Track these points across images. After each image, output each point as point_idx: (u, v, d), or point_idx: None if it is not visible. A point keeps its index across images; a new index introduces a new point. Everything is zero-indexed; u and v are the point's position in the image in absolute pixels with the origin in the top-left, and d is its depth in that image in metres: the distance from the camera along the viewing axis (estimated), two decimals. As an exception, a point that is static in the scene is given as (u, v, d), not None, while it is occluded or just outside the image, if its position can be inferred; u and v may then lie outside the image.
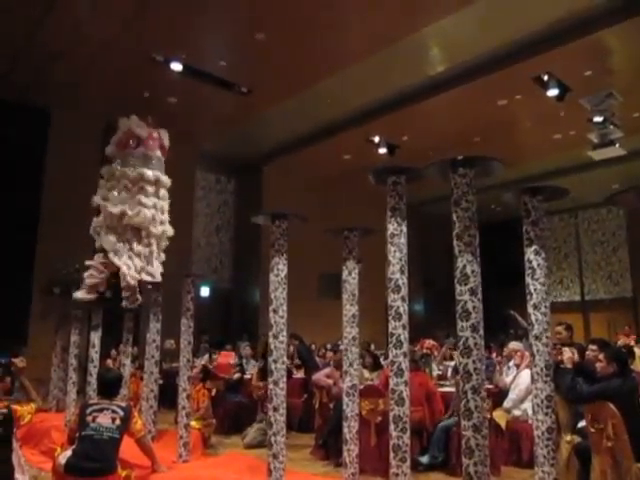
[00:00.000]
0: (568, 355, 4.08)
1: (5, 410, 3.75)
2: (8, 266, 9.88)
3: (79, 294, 6.33)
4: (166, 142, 6.86)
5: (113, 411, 4.12)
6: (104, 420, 4.05)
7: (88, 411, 4.10)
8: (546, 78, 9.50)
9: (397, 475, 3.05)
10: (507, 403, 5.97)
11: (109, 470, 3.95)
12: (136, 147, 6.53)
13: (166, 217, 6.74)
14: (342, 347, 4.03)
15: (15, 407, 3.88)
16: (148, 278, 6.22)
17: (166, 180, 6.79)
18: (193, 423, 5.99)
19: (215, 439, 6.84)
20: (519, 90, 10.14)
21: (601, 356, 4.06)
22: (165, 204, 6.75)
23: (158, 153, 6.73)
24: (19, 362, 4.67)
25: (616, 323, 14.55)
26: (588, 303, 17.34)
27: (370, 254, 7.43)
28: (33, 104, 10.56)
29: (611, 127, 10.11)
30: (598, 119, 10.10)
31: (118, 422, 4.07)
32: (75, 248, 10.62)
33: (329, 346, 8.82)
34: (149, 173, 6.50)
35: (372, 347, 9.89)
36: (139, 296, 6.52)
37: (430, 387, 5.91)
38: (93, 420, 4.04)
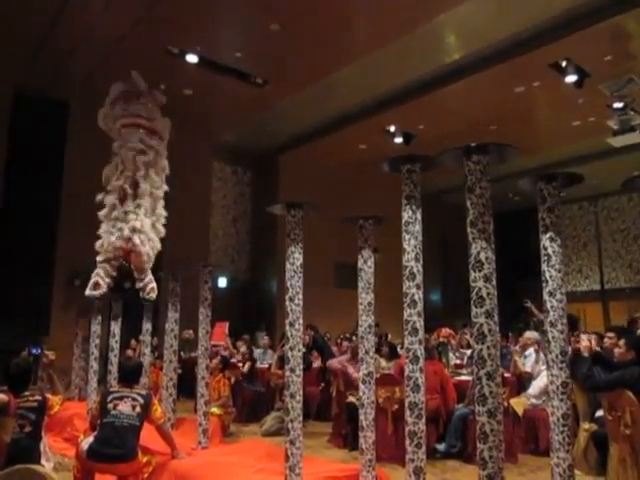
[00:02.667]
0: (585, 343, 4.08)
1: (40, 397, 3.86)
2: (30, 258, 10.07)
3: (87, 291, 6.72)
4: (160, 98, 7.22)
5: (133, 399, 4.20)
6: (124, 407, 4.13)
7: (109, 399, 4.19)
8: (564, 64, 9.37)
9: (413, 461, 3.07)
10: (533, 390, 5.96)
11: (130, 456, 4.04)
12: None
13: (158, 179, 7.00)
14: (358, 335, 4.05)
15: (49, 396, 3.98)
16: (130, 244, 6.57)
17: (161, 126, 7.10)
18: (214, 409, 6.11)
19: (234, 427, 6.95)
20: (537, 77, 10.02)
21: (621, 342, 4.05)
22: (162, 162, 7.08)
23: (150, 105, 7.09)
24: (50, 355, 4.77)
25: (637, 312, 14.37)
26: (608, 292, 17.14)
27: (388, 244, 7.45)
28: (52, 97, 10.69)
29: (631, 113, 9.95)
30: (618, 105, 9.95)
31: (138, 409, 4.15)
32: (95, 240, 10.78)
33: (348, 334, 8.87)
34: (140, 110, 6.94)
35: (389, 337, 9.91)
36: (154, 285, 6.61)
37: (444, 376, 5.94)
38: (114, 407, 4.13)
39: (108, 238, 6.59)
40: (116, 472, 4.09)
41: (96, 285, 6.61)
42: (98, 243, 6.78)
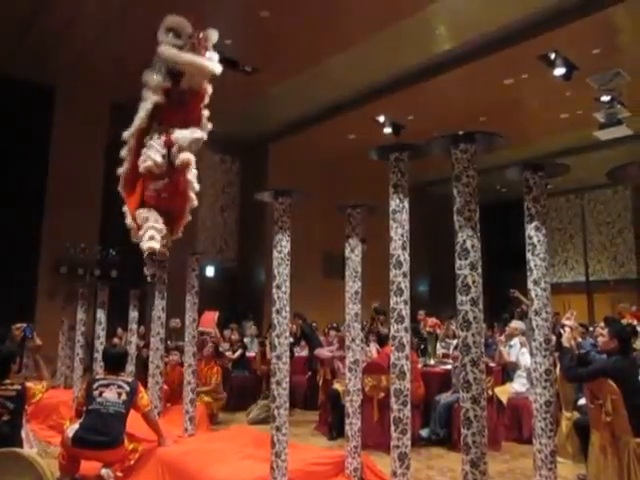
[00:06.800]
0: (567, 335, 4.13)
1: (19, 387, 3.79)
2: (15, 245, 9.97)
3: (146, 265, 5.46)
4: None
5: (119, 386, 4.20)
6: (110, 395, 4.13)
7: (95, 386, 4.19)
8: (553, 56, 9.39)
9: (398, 447, 3.11)
10: (521, 377, 6.04)
11: (115, 443, 4.04)
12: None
13: None
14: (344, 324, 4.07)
15: (29, 385, 3.93)
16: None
17: None
18: (206, 398, 6.15)
19: (221, 415, 6.97)
20: (525, 69, 10.04)
21: (605, 331, 4.11)
22: None
23: None
24: (38, 340, 4.63)
25: (620, 303, 14.59)
26: (593, 284, 17.33)
27: (376, 236, 7.47)
28: (38, 82, 10.55)
29: (618, 106, 10.01)
30: (605, 98, 10.01)
31: (124, 397, 4.15)
32: (81, 228, 10.71)
33: (335, 324, 8.88)
34: None
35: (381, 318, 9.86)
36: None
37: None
38: (100, 395, 4.13)
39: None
40: (102, 459, 4.09)
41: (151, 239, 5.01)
42: None
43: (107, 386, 4.19)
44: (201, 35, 5.29)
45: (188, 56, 5.08)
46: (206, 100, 5.65)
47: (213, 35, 5.35)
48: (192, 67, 5.11)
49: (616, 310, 11.02)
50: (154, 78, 5.28)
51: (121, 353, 4.65)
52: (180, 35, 5.20)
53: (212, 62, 5.22)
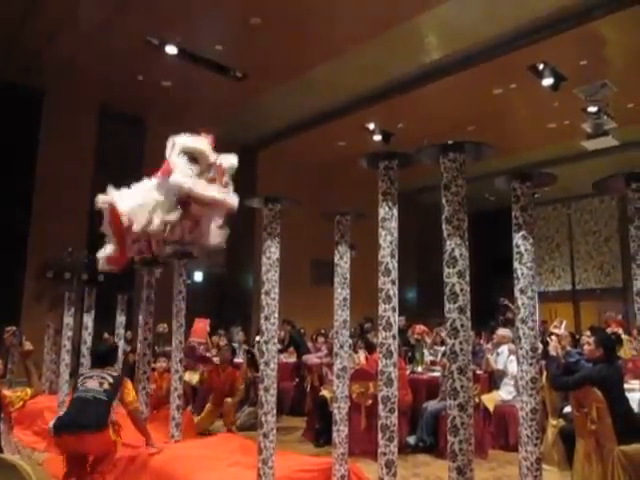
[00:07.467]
0: (553, 344, 4.17)
1: None
2: (1, 248, 9.86)
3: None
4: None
5: (102, 377, 4.20)
6: (92, 384, 4.15)
7: (80, 380, 4.22)
8: (541, 67, 9.51)
9: (385, 454, 3.11)
10: (508, 385, 6.07)
11: (95, 427, 3.90)
12: None
13: None
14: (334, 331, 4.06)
15: (5, 393, 3.85)
16: None
17: None
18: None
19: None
20: (514, 79, 10.15)
21: (590, 340, 4.15)
22: None
23: None
24: (28, 345, 4.54)
25: (606, 312, 14.71)
26: (579, 292, 17.48)
27: (365, 242, 7.49)
28: (27, 86, 10.48)
29: (605, 117, 10.15)
30: (592, 109, 10.14)
31: (106, 386, 4.13)
32: (68, 231, 10.63)
33: (323, 331, 8.88)
34: None
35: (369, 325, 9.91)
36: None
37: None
38: (82, 384, 4.14)
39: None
40: (84, 445, 3.93)
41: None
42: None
43: (91, 377, 4.21)
44: (221, 165, 5.05)
45: (209, 192, 4.87)
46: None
47: (233, 162, 5.37)
48: (211, 204, 4.95)
49: (602, 318, 11.12)
50: (162, 210, 4.72)
51: (107, 347, 4.65)
52: (197, 161, 4.88)
53: (231, 197, 5.18)
